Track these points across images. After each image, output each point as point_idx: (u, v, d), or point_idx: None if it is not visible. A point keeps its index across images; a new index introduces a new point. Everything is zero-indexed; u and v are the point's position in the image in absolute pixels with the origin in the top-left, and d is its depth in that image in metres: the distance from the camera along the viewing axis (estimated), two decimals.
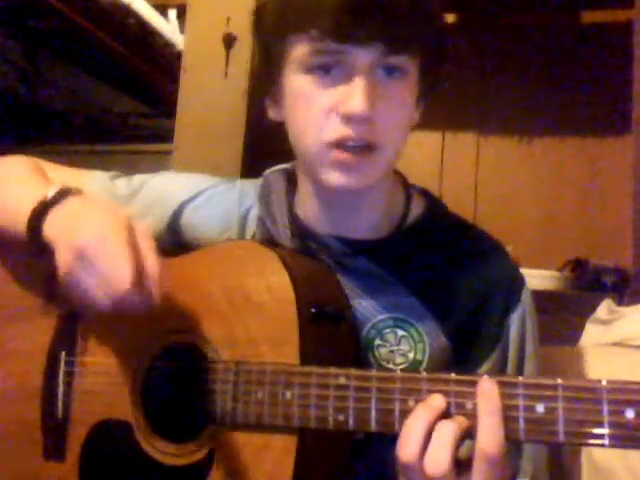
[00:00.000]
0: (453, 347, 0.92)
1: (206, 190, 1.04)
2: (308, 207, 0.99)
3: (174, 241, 1.03)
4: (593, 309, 1.52)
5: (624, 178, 2.23)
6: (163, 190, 1.05)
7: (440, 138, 2.79)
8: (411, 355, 0.92)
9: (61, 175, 1.07)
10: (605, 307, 1.49)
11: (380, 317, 0.93)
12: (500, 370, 0.91)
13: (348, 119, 0.83)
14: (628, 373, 0.68)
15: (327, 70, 0.85)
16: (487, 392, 0.68)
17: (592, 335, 1.45)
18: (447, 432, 0.68)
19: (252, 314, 0.84)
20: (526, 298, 0.95)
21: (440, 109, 2.77)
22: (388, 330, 0.93)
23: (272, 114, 0.96)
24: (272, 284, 0.84)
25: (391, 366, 0.92)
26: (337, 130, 0.84)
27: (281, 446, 0.78)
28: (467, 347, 0.92)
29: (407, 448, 0.69)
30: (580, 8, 2.62)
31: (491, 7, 2.72)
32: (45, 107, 3.96)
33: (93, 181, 1.07)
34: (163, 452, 0.87)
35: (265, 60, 0.92)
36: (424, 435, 0.68)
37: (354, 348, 0.91)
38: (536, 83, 2.70)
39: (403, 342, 0.92)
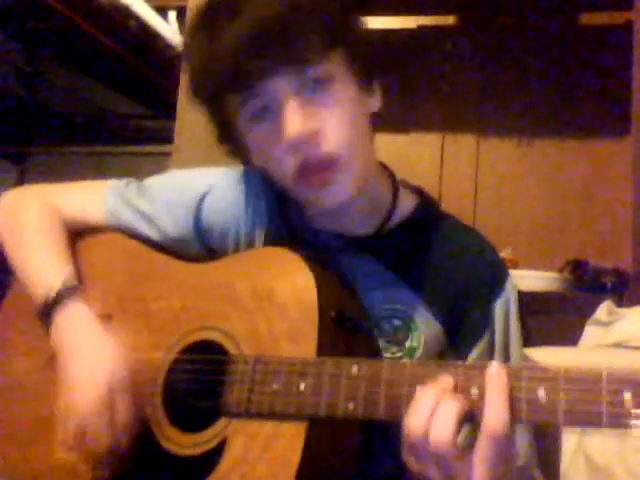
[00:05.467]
0: (445, 332, 0.96)
1: (214, 187, 1.06)
2: (303, 205, 1.02)
3: (200, 239, 1.05)
4: (593, 310, 1.52)
5: (624, 179, 2.23)
6: (179, 189, 1.07)
7: (440, 140, 2.79)
8: (407, 343, 0.95)
9: (75, 195, 1.11)
10: (605, 308, 1.50)
11: (376, 308, 0.96)
12: (488, 355, 0.94)
13: (293, 147, 0.87)
14: None
15: (264, 115, 0.89)
16: (495, 373, 0.70)
17: (592, 336, 1.45)
18: (451, 406, 0.70)
19: (275, 312, 0.87)
20: (509, 288, 0.98)
21: (439, 111, 2.77)
22: (384, 321, 0.95)
23: (254, 162, 1.00)
24: (296, 285, 0.87)
25: (388, 355, 0.94)
26: (294, 160, 0.88)
27: (290, 435, 0.80)
28: (457, 332, 0.96)
29: (414, 422, 0.71)
30: (580, 9, 2.62)
31: (491, 7, 2.72)
32: (45, 108, 3.96)
33: (108, 198, 1.09)
34: (176, 443, 0.88)
35: (217, 120, 0.99)
36: (431, 410, 0.70)
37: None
38: (536, 84, 2.69)
39: (399, 332, 0.95)
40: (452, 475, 0.70)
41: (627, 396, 0.65)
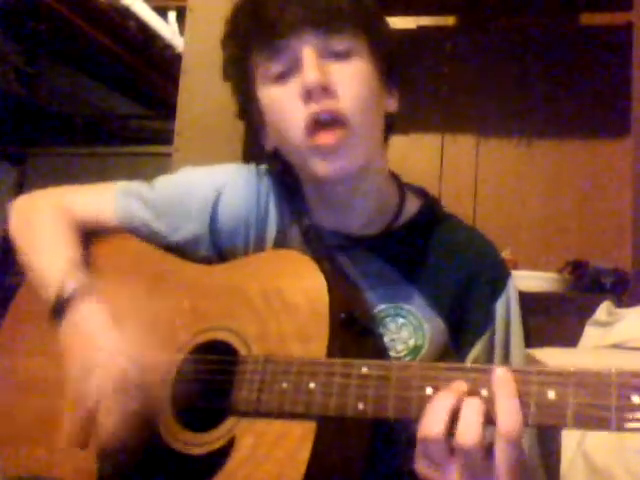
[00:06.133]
0: (448, 330, 0.96)
1: (228, 184, 1.07)
2: (312, 203, 1.03)
3: (212, 239, 1.05)
4: (592, 311, 1.52)
5: (624, 179, 2.23)
6: (193, 189, 1.08)
7: (439, 140, 2.79)
8: (411, 342, 0.96)
9: (87, 196, 1.12)
10: (604, 309, 1.50)
11: (381, 307, 0.97)
12: (489, 353, 0.95)
13: (308, 94, 0.89)
14: None
15: (286, 75, 0.93)
16: (502, 378, 0.70)
17: (592, 337, 1.45)
18: (475, 407, 0.70)
19: (286, 313, 0.88)
20: (511, 288, 0.99)
21: (439, 111, 2.77)
22: (389, 319, 0.96)
23: (267, 143, 1.02)
24: (308, 287, 0.88)
25: (393, 354, 0.95)
26: (306, 111, 0.90)
27: (299, 434, 0.80)
28: (459, 330, 0.97)
29: (432, 427, 0.71)
30: (580, 10, 2.62)
31: (491, 8, 2.72)
32: (45, 109, 3.96)
33: (119, 197, 1.10)
34: (184, 442, 0.88)
35: (241, 88, 1.01)
36: (449, 414, 0.70)
37: None
38: (536, 84, 2.69)
39: (404, 330, 0.96)
40: (476, 478, 0.70)
41: (636, 399, 0.64)
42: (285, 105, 0.93)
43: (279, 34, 0.91)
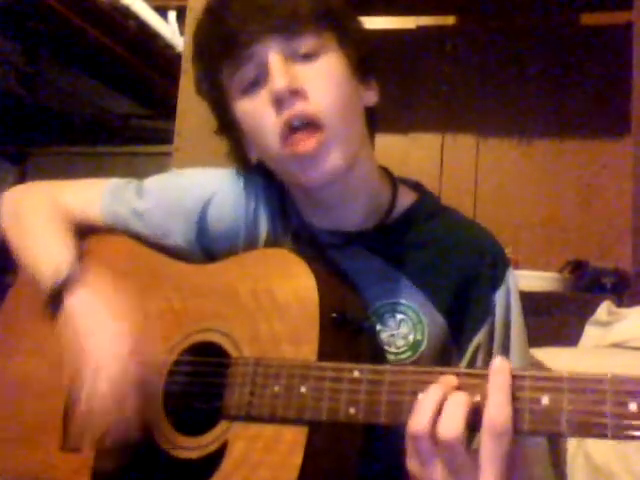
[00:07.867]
0: (448, 323, 0.96)
1: (217, 193, 1.06)
2: (302, 204, 1.03)
3: (201, 245, 1.05)
4: (593, 310, 1.52)
5: (624, 179, 2.23)
6: (181, 196, 1.07)
7: (439, 140, 2.79)
8: (411, 337, 0.95)
9: (77, 192, 1.12)
10: (605, 309, 1.50)
11: (379, 303, 0.96)
12: (488, 345, 0.95)
13: (279, 101, 0.88)
14: None
15: (257, 85, 0.92)
16: (499, 368, 0.70)
17: (592, 337, 1.45)
18: (459, 400, 0.70)
19: (277, 314, 0.87)
20: (510, 278, 0.99)
21: (439, 111, 2.77)
22: (388, 315, 0.96)
23: (253, 155, 1.01)
24: (298, 287, 0.87)
25: (393, 349, 0.95)
26: (279, 120, 0.89)
27: (291, 439, 0.80)
28: (458, 323, 0.96)
29: (418, 418, 0.71)
30: (580, 10, 2.62)
31: (491, 8, 2.72)
32: (45, 109, 3.96)
33: (105, 196, 1.10)
34: (176, 445, 0.88)
35: (215, 104, 1.01)
36: (435, 406, 0.70)
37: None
38: (536, 84, 2.69)
39: (403, 325, 0.96)
40: (459, 475, 0.70)
41: (633, 407, 0.64)
42: (258, 116, 0.92)
43: (243, 44, 0.90)
